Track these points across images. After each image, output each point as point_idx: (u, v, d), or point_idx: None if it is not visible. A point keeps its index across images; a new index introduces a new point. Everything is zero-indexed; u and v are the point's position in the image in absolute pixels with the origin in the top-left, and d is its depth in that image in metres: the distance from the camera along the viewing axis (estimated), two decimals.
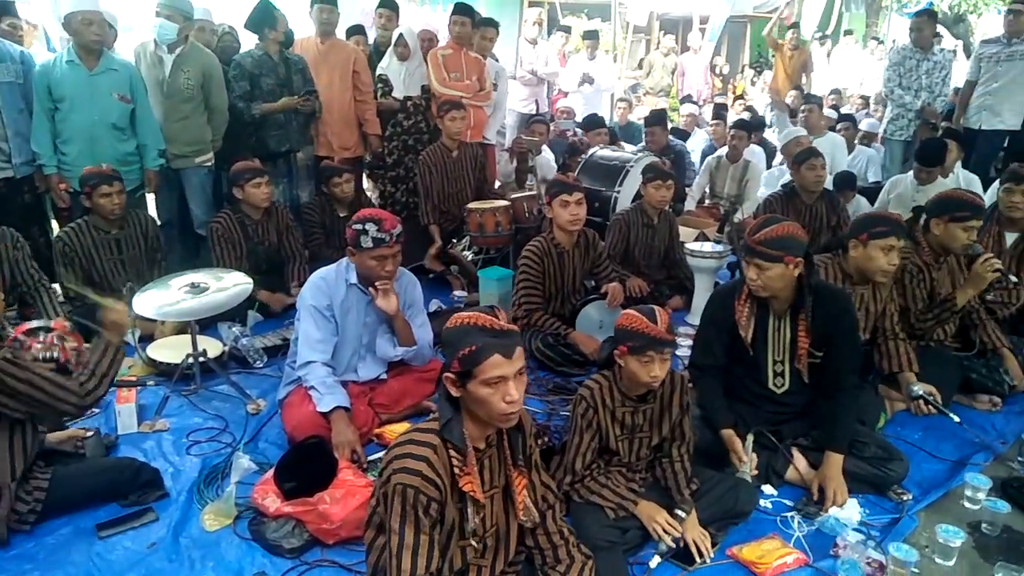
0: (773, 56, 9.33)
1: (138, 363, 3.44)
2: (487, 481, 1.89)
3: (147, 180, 4.31)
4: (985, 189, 4.93)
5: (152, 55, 4.32)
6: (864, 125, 7.60)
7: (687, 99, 9.58)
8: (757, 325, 2.67)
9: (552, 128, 7.06)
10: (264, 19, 4.61)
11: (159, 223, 4.39)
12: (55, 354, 2.53)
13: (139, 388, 3.18)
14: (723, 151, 6.13)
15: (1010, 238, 3.68)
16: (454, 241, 4.91)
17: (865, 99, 9.76)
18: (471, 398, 1.76)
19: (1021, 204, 3.59)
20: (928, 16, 6.14)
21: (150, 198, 4.61)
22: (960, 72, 6.53)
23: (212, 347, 3.45)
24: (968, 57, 6.89)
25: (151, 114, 4.24)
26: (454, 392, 1.78)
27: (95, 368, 2.37)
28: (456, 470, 1.77)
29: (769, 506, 2.59)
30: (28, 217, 4.15)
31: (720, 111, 8.07)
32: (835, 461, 2.57)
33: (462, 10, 5.44)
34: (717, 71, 11.38)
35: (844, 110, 8.92)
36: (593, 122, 6.82)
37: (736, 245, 4.62)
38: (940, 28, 14.64)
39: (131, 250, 3.96)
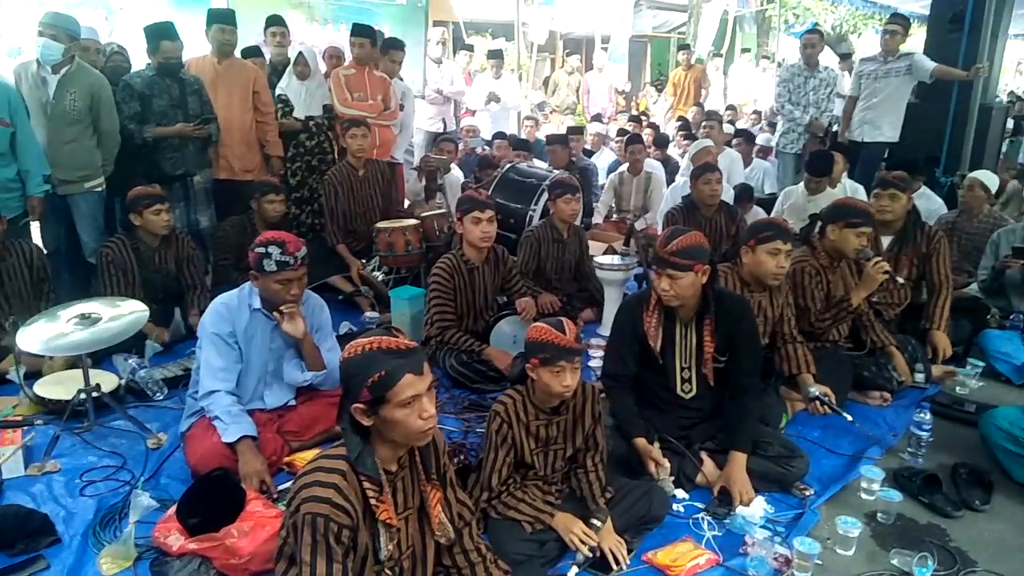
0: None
1: (24, 402, 3.21)
2: (400, 503, 1.85)
3: (30, 208, 4.05)
4: (868, 197, 5.24)
5: (35, 76, 4.08)
6: (760, 140, 7.98)
7: (596, 117, 9.83)
8: (664, 333, 2.76)
9: (461, 146, 7.09)
10: (164, 31, 4.44)
11: (45, 252, 4.14)
12: None
13: (25, 428, 2.97)
14: (625, 166, 6.31)
15: (886, 241, 3.92)
16: (363, 262, 4.84)
17: (759, 114, 10.25)
18: (386, 423, 1.73)
19: (888, 208, 3.83)
20: (817, 34, 6.52)
21: (35, 227, 4.34)
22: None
23: (107, 381, 3.26)
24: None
25: (33, 138, 4.00)
26: (365, 422, 1.73)
27: None
28: (372, 500, 1.74)
29: (681, 510, 2.65)
30: None
31: (625, 129, 8.34)
32: (739, 461, 2.66)
33: (361, 32, 5.42)
34: (619, 89, 11.70)
35: (740, 124, 9.35)
36: (510, 144, 6.88)
37: (643, 254, 4.74)
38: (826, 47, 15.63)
39: (13, 282, 3.70)
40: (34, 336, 2.93)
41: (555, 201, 4.39)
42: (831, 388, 3.20)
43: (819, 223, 3.56)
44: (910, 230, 3.87)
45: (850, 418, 3.06)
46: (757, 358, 2.91)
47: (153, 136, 4.42)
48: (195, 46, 4.96)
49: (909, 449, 3.00)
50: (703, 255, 2.62)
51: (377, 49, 5.72)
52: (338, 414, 1.79)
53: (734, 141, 7.41)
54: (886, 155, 6.11)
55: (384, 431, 1.75)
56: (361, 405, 1.71)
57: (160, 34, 4.44)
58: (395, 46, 5.83)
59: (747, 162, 7.16)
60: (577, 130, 7.58)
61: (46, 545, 2.35)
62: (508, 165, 5.48)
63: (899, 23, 6.00)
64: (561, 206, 4.36)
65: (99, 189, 4.32)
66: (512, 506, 2.36)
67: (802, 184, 5.33)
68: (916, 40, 8.90)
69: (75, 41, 4.15)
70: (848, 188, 5.44)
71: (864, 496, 2.73)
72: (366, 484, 1.74)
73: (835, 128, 6.51)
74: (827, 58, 13.29)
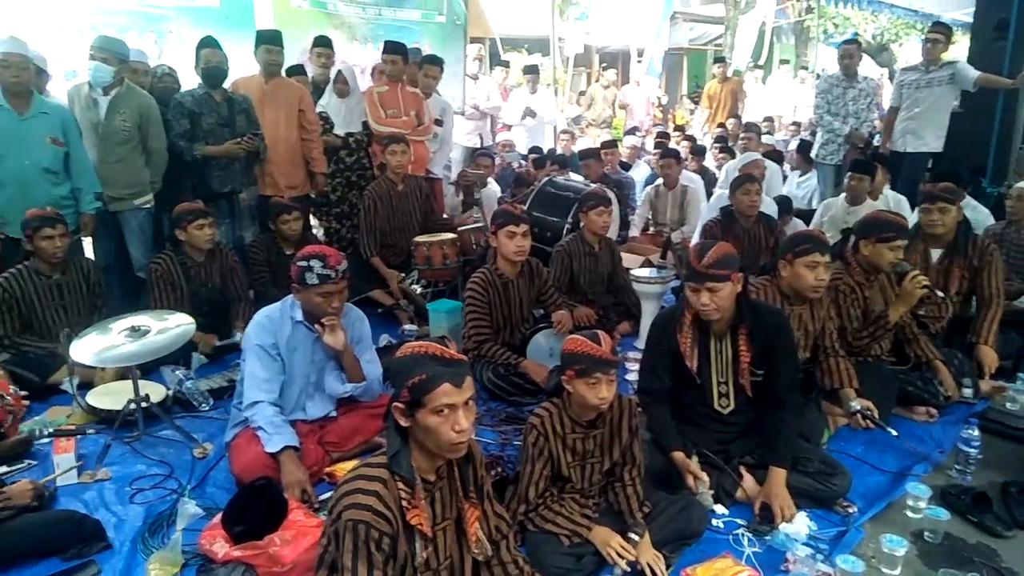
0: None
1: (77, 411, 3.32)
2: (439, 514, 1.88)
3: (83, 224, 4.20)
4: (912, 209, 5.15)
5: (86, 97, 4.25)
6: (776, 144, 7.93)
7: (632, 131, 9.84)
8: (700, 349, 2.74)
9: (497, 161, 7.15)
10: (206, 42, 4.61)
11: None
12: None
13: (78, 437, 3.06)
14: (661, 180, 6.30)
15: (935, 254, 3.84)
16: (402, 275, 4.90)
17: (797, 125, 10.15)
18: (420, 428, 1.76)
19: (938, 222, 3.76)
20: (855, 45, 6.45)
21: (87, 242, 4.50)
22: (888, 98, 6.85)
23: (155, 392, 3.35)
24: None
25: (86, 157, 4.16)
26: (403, 422, 1.77)
27: None
28: (404, 502, 1.76)
29: (720, 525, 2.62)
30: None
31: (662, 142, 8.33)
32: (779, 476, 2.63)
33: (392, 49, 5.51)
34: (656, 102, 11.69)
35: (778, 136, 9.27)
36: (542, 160, 6.92)
37: (680, 267, 4.73)
38: (864, 57, 15.43)
39: (72, 295, 3.86)
40: (87, 348, 3.03)
41: (586, 213, 4.40)
42: (874, 403, 3.13)
43: (852, 238, 3.51)
44: (960, 242, 3.79)
45: (895, 433, 3.00)
46: (795, 371, 2.88)
47: (202, 155, 4.55)
48: (242, 66, 5.12)
49: (957, 466, 2.93)
50: (736, 263, 2.62)
51: (409, 65, 5.82)
52: (386, 411, 1.84)
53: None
54: (930, 165, 6.00)
55: (419, 436, 1.78)
56: (400, 405, 1.76)
57: (202, 44, 4.62)
58: (431, 61, 5.91)
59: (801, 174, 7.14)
60: (611, 144, 7.58)
61: (98, 551, 2.42)
62: (545, 179, 5.51)
63: (941, 32, 5.90)
64: (592, 218, 4.37)
65: (148, 206, 4.46)
66: (549, 519, 2.36)
67: (842, 196, 5.26)
68: (960, 48, 8.74)
69: (124, 63, 4.31)
70: (891, 199, 5.36)
71: (910, 514, 2.67)
72: (402, 489, 1.77)
73: (876, 139, 6.42)
74: (867, 68, 13.14)
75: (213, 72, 4.58)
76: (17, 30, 4.64)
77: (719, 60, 10.10)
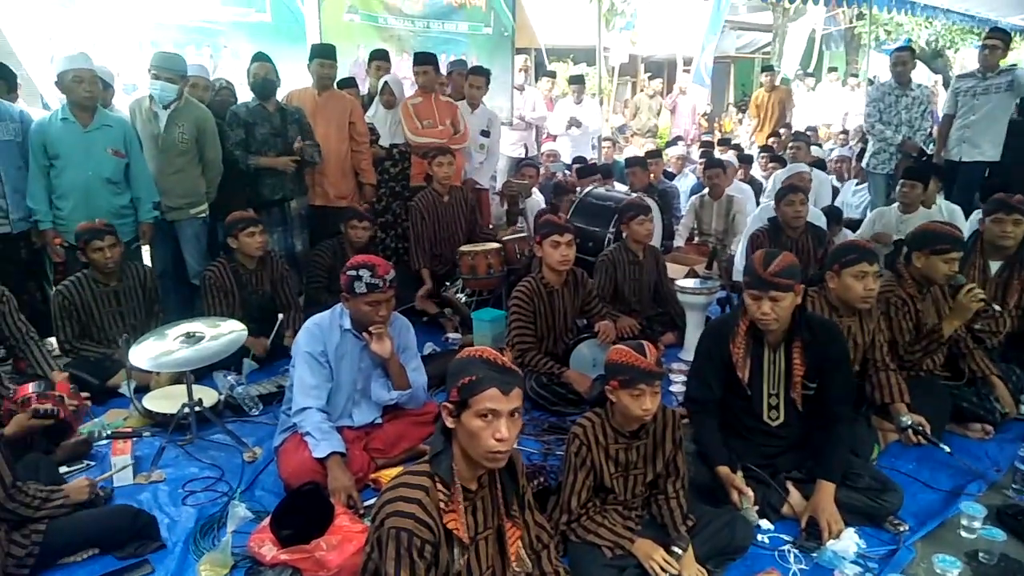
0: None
1: (134, 414, 3.44)
2: (480, 523, 1.89)
3: (141, 232, 4.36)
4: (967, 219, 5.02)
5: (147, 111, 4.41)
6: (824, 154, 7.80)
7: (675, 141, 9.78)
8: (752, 359, 2.71)
9: (542, 171, 7.18)
10: (256, 56, 4.77)
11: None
12: (54, 411, 2.55)
13: (135, 439, 3.17)
14: (706, 190, 6.24)
15: (994, 266, 3.73)
16: (447, 284, 4.96)
17: (846, 134, 9.97)
18: (464, 430, 1.79)
19: (1011, 233, 3.63)
20: (909, 52, 6.31)
21: (145, 250, 4.66)
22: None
23: (208, 396, 3.45)
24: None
25: (145, 168, 4.31)
26: (449, 422, 1.81)
27: (39, 501, 2.37)
28: (442, 505, 1.79)
29: (766, 541, 2.58)
30: (25, 272, 4.19)
31: (707, 151, 8.27)
32: (827, 490, 2.58)
33: (422, 60, 5.57)
34: (702, 112, 11.60)
35: (826, 145, 9.12)
36: (586, 171, 6.92)
37: (726, 280, 4.68)
38: (919, 63, 15.07)
39: (129, 302, 4.00)
40: (144, 353, 3.14)
41: (628, 224, 4.38)
42: (927, 418, 3.05)
43: (905, 249, 3.43)
44: (1021, 256, 3.68)
45: (948, 450, 2.93)
46: (849, 385, 2.83)
47: (256, 165, 4.68)
48: (294, 78, 5.25)
49: (1014, 485, 2.84)
50: (799, 274, 2.60)
51: (456, 76, 5.87)
52: (435, 419, 1.88)
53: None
54: (986, 175, 5.83)
55: (461, 439, 1.80)
56: (449, 404, 1.80)
57: (252, 59, 4.78)
58: (477, 72, 5.94)
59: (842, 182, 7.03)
60: (655, 153, 7.54)
61: (151, 550, 2.50)
62: (585, 190, 5.52)
63: (999, 37, 5.74)
64: (634, 228, 4.35)
65: (203, 215, 4.60)
66: (592, 530, 2.36)
67: (895, 206, 5.15)
68: (1018, 55, 8.48)
69: (185, 79, 4.46)
70: (944, 210, 5.22)
71: (964, 534, 2.59)
72: (441, 491, 1.79)
73: (929, 148, 6.26)
74: (921, 75, 12.83)
75: (261, 84, 4.73)
76: (79, 45, 4.85)
77: (767, 69, 9.97)
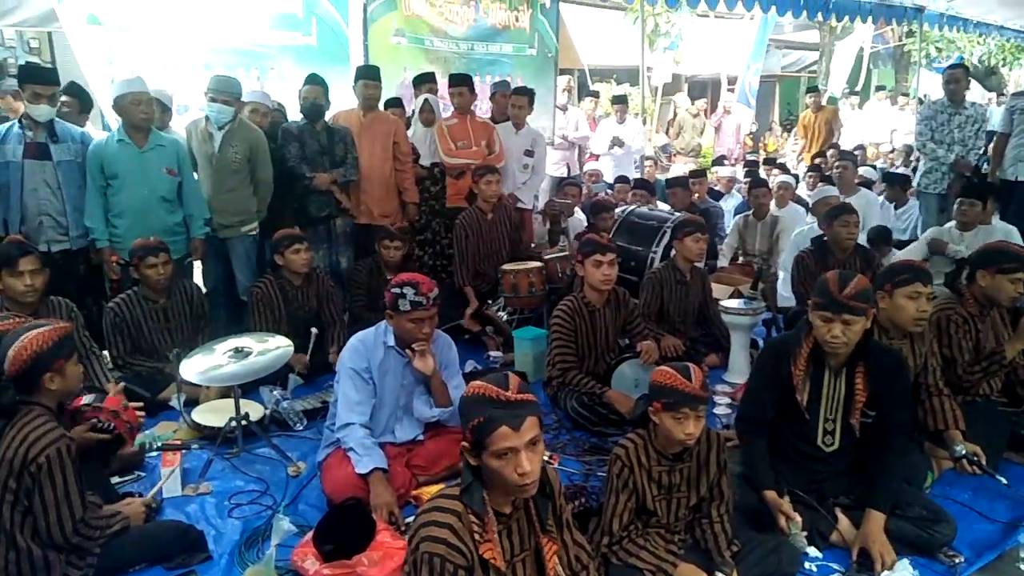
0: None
1: (183, 427, 3.52)
2: (516, 545, 1.88)
3: (193, 248, 4.48)
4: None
5: (203, 132, 4.56)
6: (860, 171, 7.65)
7: (720, 160, 9.70)
8: (812, 382, 2.65)
9: (584, 191, 7.19)
10: (308, 79, 4.91)
11: (205, 290, 4.56)
12: (111, 426, 2.62)
13: (184, 451, 3.24)
14: (752, 210, 6.18)
15: None
16: (489, 302, 4.98)
17: (893, 152, 9.78)
18: (487, 468, 1.76)
19: None
20: (962, 69, 6.19)
21: (196, 267, 4.79)
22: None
23: (254, 410, 3.52)
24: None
25: (197, 186, 4.45)
26: (472, 461, 1.79)
27: (99, 532, 2.40)
28: (476, 536, 1.77)
29: (814, 569, 2.53)
30: (83, 288, 4.33)
31: (754, 171, 8.19)
32: (877, 520, 2.52)
33: (457, 81, 5.64)
34: (746, 131, 11.49)
35: (879, 164, 8.95)
36: (634, 184, 6.92)
37: (771, 301, 4.61)
38: (972, 81, 14.73)
39: (177, 319, 4.10)
40: (193, 367, 3.23)
41: (682, 240, 4.33)
42: (982, 446, 2.96)
43: (967, 268, 3.34)
44: None
45: (1004, 481, 2.83)
46: (909, 416, 2.76)
47: (313, 180, 4.79)
48: (337, 98, 5.36)
49: None
50: (872, 298, 2.56)
51: (501, 97, 5.95)
52: (461, 451, 1.84)
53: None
54: None
55: (486, 475, 1.78)
56: (466, 445, 1.78)
57: (306, 81, 4.93)
58: (520, 92, 5.98)
59: (898, 204, 6.87)
60: (699, 173, 7.49)
61: (199, 561, 2.55)
62: (628, 209, 5.50)
63: None
64: (689, 244, 4.31)
65: (254, 233, 4.71)
66: (634, 553, 2.33)
67: (950, 224, 5.02)
68: None
69: (240, 101, 4.61)
70: (1000, 230, 5.07)
71: (1023, 567, 2.50)
72: (474, 523, 1.77)
73: (984, 167, 6.10)
74: (975, 93, 12.55)
75: (311, 107, 4.86)
76: (137, 68, 5.05)
77: (812, 90, 9.83)
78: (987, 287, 3.22)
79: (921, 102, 9.80)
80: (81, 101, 4.81)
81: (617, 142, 8.18)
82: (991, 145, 6.35)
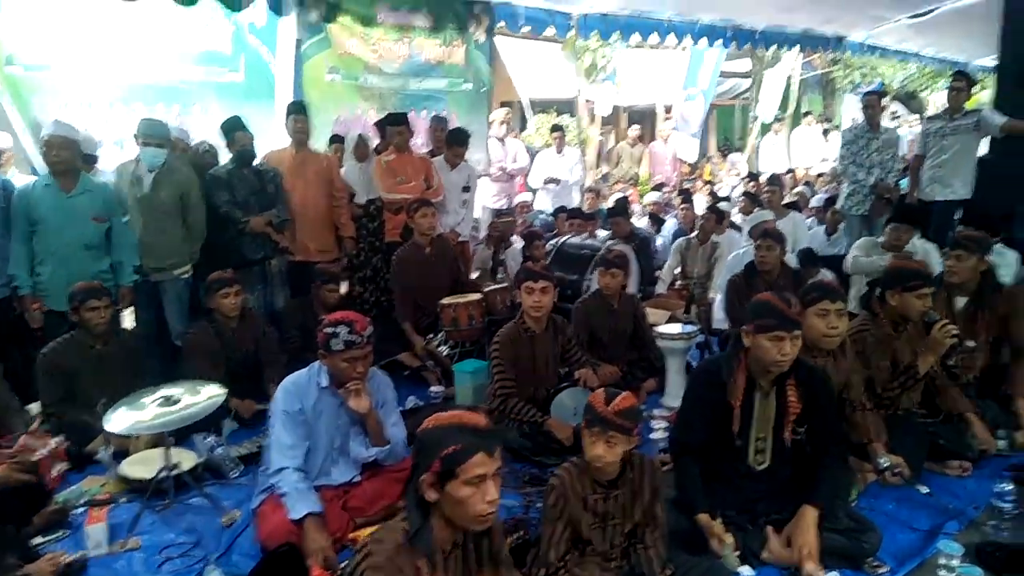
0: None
1: (111, 480, 3.40)
2: None
3: (121, 296, 4.38)
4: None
5: (133, 173, 4.49)
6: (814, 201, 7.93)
7: (659, 187, 9.94)
8: (743, 403, 2.70)
9: (519, 222, 7.29)
10: (237, 124, 4.91)
11: (137, 336, 4.44)
12: (34, 465, 2.53)
13: (111, 506, 3.15)
14: (694, 234, 6.34)
15: (960, 302, 3.78)
16: (430, 336, 4.98)
17: (819, 176, 10.18)
18: (450, 500, 1.76)
19: (954, 268, 3.71)
20: (877, 96, 6.48)
21: (126, 313, 4.68)
22: None
23: (187, 459, 3.43)
24: None
25: (127, 232, 4.37)
26: (432, 495, 1.77)
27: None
28: (421, 573, 1.76)
29: None
30: (8, 336, 4.20)
31: (688, 196, 8.42)
32: (809, 515, 2.57)
33: (395, 120, 5.72)
34: (685, 157, 11.80)
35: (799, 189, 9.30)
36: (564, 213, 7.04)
37: (704, 325, 4.71)
38: (897, 105, 15.41)
39: (113, 365, 3.97)
40: (121, 418, 3.13)
41: (600, 275, 4.48)
42: (904, 457, 3.06)
43: (878, 289, 3.48)
44: (985, 291, 3.74)
45: (925, 490, 2.95)
46: (837, 428, 2.86)
47: (246, 225, 4.75)
48: (263, 134, 5.36)
49: (992, 522, 2.84)
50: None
51: (440, 137, 6.03)
52: (404, 487, 1.86)
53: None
54: (960, 213, 5.94)
55: (446, 508, 1.78)
56: (430, 477, 1.75)
57: (234, 127, 4.91)
58: (458, 142, 6.03)
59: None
60: (618, 211, 7.16)
61: None
62: (562, 239, 5.62)
63: (962, 80, 5.92)
64: (606, 280, 4.43)
65: (186, 276, 4.64)
66: None
67: (880, 239, 5.19)
68: (989, 93, 8.69)
69: (170, 141, 4.56)
70: (919, 249, 5.29)
71: (943, 573, 2.57)
72: (418, 562, 1.77)
73: (902, 187, 6.38)
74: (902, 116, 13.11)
75: (243, 153, 4.87)
76: (55, 108, 5.00)
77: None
78: (897, 305, 3.36)
79: (836, 128, 10.19)
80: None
81: (551, 180, 8.33)
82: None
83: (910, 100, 16.47)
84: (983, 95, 8.68)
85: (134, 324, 4.70)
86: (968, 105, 5.96)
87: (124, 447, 3.58)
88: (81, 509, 2.99)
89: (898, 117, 14.61)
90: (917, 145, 6.23)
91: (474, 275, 6.22)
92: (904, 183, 6.58)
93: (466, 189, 6.06)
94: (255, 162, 4.97)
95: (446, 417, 1.82)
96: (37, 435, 2.62)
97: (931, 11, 7.98)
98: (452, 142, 6.03)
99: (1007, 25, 6.32)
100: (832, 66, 15.07)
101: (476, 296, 4.92)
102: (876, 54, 10.10)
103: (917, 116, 15.32)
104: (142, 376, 4.04)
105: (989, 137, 5.93)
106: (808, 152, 11.94)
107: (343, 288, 5.71)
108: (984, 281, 3.74)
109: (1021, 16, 6.22)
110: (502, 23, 7.22)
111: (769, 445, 2.74)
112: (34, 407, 3.98)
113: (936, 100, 15.79)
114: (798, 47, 9.39)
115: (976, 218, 5.14)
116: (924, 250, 5.29)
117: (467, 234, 6.19)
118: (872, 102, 6.34)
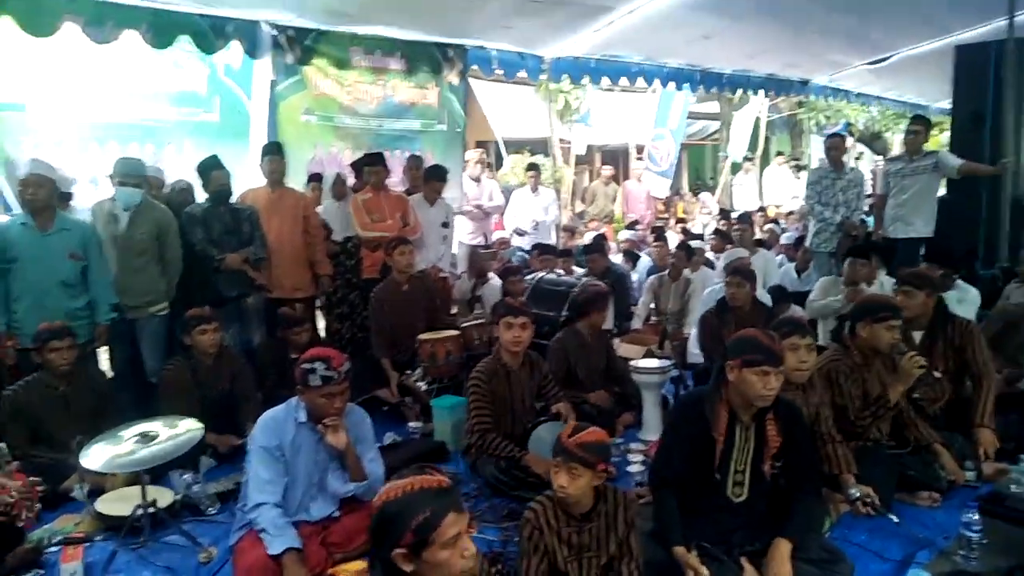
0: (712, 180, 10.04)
1: (86, 519, 3.36)
2: None
3: (98, 335, 4.36)
4: None
5: (108, 212, 4.50)
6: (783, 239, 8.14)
7: (632, 225, 10.12)
8: (725, 435, 2.73)
9: (498, 258, 7.38)
10: (214, 163, 4.96)
11: (112, 373, 4.41)
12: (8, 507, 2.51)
13: (86, 545, 3.10)
14: (667, 271, 6.47)
15: (917, 336, 3.90)
16: (408, 372, 5.00)
17: (789, 214, 10.44)
18: (428, 567, 1.67)
19: (903, 303, 3.79)
20: (840, 138, 6.72)
21: (101, 353, 4.64)
22: None
23: (163, 496, 3.40)
24: None
25: (103, 270, 4.36)
26: (407, 567, 1.66)
27: None
28: None
29: None
30: None
31: (661, 233, 8.57)
32: (782, 549, 2.62)
33: (371, 161, 5.83)
34: (658, 196, 12.04)
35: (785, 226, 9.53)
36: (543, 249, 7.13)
37: (678, 359, 4.79)
38: (861, 146, 15.87)
39: (78, 406, 3.93)
40: (97, 455, 3.11)
41: (594, 314, 4.56)
42: (874, 488, 3.12)
43: (847, 323, 3.59)
44: (939, 324, 3.87)
45: (896, 519, 3.00)
46: (813, 461, 2.92)
47: (221, 262, 4.78)
48: (238, 174, 5.36)
49: (961, 552, 2.89)
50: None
51: (417, 174, 6.12)
52: (369, 566, 1.78)
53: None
54: (924, 250, 6.13)
55: (425, 572, 1.68)
56: (403, 550, 1.65)
57: (211, 166, 4.95)
58: (437, 177, 6.15)
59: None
60: (594, 248, 7.26)
61: None
62: (538, 276, 5.70)
63: (920, 124, 6.17)
64: (595, 318, 4.51)
65: (163, 313, 4.63)
66: None
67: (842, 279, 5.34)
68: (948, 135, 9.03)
69: (147, 180, 4.59)
70: (886, 284, 5.45)
71: None
72: None
73: (869, 226, 6.59)
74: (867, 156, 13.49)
75: (220, 192, 4.91)
76: (27, 144, 5.02)
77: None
78: (867, 337, 3.46)
79: (802, 168, 10.45)
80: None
81: (519, 232, 8.49)
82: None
83: (874, 141, 16.98)
84: (943, 137, 9.01)
85: (109, 362, 4.66)
86: (928, 146, 6.20)
87: (99, 484, 3.54)
88: (55, 548, 2.95)
89: (860, 157, 15.09)
90: (879, 184, 6.44)
91: (454, 310, 6.28)
92: (871, 220, 6.81)
93: (445, 225, 6.15)
94: (231, 200, 5.01)
95: (403, 485, 1.71)
96: (13, 474, 2.59)
97: (888, 58, 8.34)
98: (431, 178, 6.13)
99: (958, 73, 6.63)
100: (798, 108, 15.52)
101: (453, 332, 4.97)
102: (840, 97, 10.45)
103: (881, 157, 15.81)
104: (109, 418, 4.00)
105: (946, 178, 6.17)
106: (780, 190, 12.27)
107: (321, 323, 5.75)
108: (936, 314, 3.87)
109: (970, 65, 6.55)
110: (475, 67, 7.38)
111: (747, 478, 2.78)
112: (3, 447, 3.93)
113: (900, 141, 16.32)
114: (763, 91, 9.69)
115: (939, 255, 5.33)
116: (890, 285, 5.44)
117: (447, 268, 6.26)
118: (836, 144, 6.57)
